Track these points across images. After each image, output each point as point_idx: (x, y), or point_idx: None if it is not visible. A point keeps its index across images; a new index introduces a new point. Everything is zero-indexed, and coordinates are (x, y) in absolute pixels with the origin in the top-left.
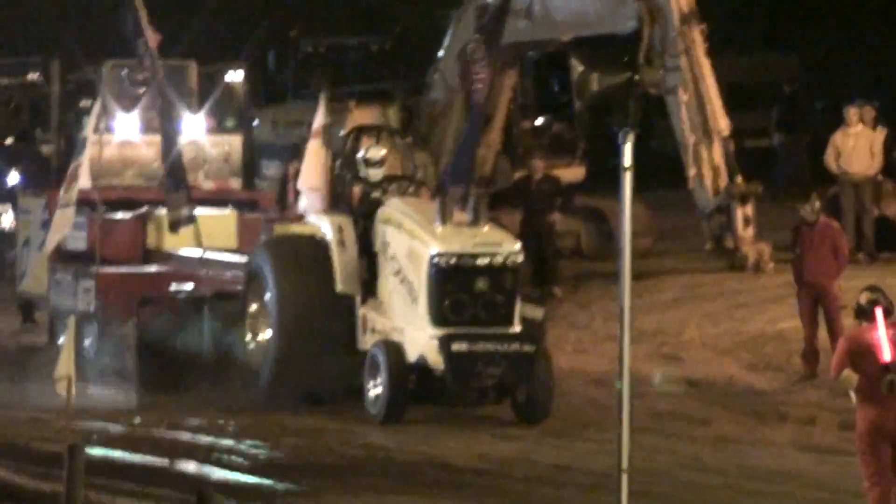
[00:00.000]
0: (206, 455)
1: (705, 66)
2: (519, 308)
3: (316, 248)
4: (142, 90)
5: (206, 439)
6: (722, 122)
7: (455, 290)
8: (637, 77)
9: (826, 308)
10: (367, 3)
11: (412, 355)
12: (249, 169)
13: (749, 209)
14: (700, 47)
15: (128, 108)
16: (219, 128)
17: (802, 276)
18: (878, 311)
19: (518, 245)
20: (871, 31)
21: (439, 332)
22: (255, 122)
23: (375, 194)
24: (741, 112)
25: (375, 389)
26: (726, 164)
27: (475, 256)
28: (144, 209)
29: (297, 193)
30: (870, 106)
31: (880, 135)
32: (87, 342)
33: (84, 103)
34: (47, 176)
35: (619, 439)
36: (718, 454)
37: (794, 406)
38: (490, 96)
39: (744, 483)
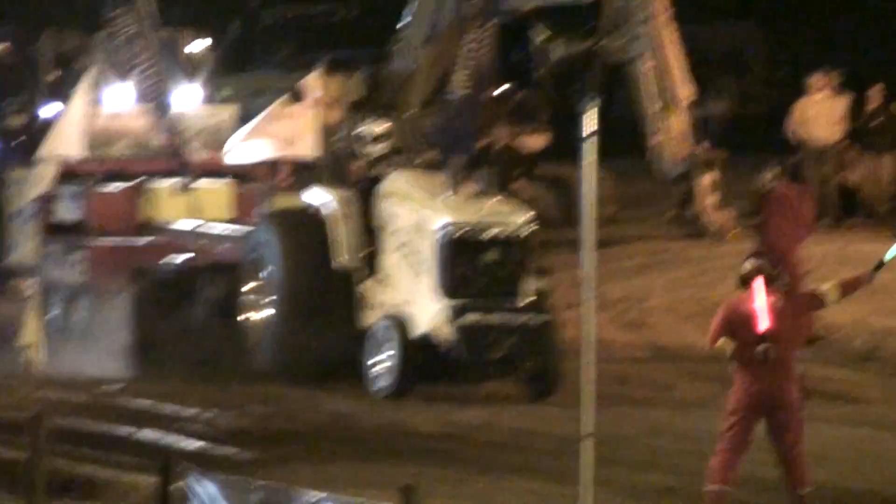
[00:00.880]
0: (171, 423)
1: (669, 33)
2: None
3: (317, 222)
4: (135, 59)
5: (170, 407)
6: (685, 90)
7: (465, 261)
8: (599, 45)
9: (790, 275)
10: None
11: (420, 329)
12: None
13: (713, 176)
14: (664, 14)
15: (121, 77)
16: (212, 98)
17: (765, 243)
18: (757, 281)
19: (529, 215)
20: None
21: (449, 304)
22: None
23: (377, 170)
24: (706, 79)
25: (381, 365)
26: (690, 131)
27: (485, 227)
28: (137, 180)
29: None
30: (834, 73)
31: (843, 102)
32: (79, 315)
33: (53, 75)
34: (26, 148)
35: (582, 405)
36: (684, 420)
37: None
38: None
39: (708, 449)
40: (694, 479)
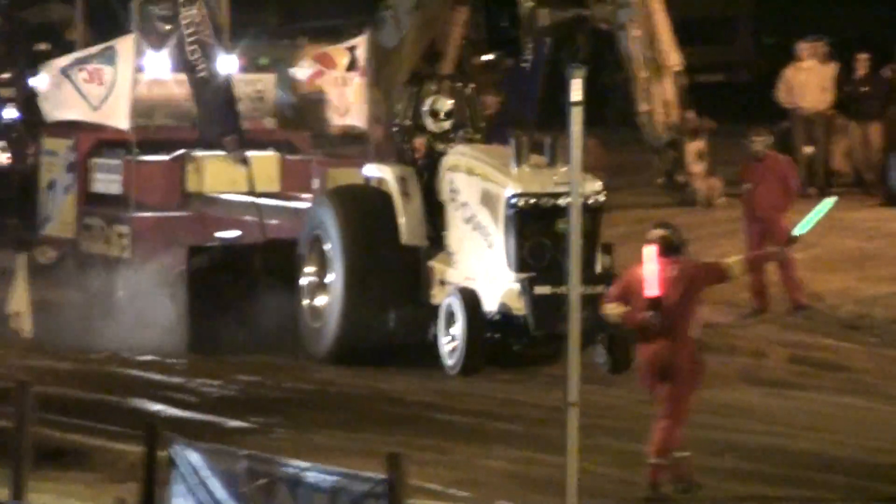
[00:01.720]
0: (157, 392)
1: (657, 1)
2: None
3: (380, 199)
4: (169, 27)
5: (157, 377)
6: (673, 57)
7: (535, 232)
8: (587, 12)
9: (775, 243)
10: None
11: (490, 303)
12: None
13: (700, 144)
14: None
15: (157, 45)
16: (251, 66)
17: (752, 211)
18: (649, 248)
19: (599, 184)
20: None
21: (519, 276)
22: None
23: (441, 146)
24: (694, 47)
25: (453, 342)
26: (678, 99)
27: (555, 196)
28: (181, 151)
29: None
30: (821, 41)
31: (831, 70)
32: (120, 290)
33: (41, 46)
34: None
35: (567, 373)
36: None
37: (743, 340)
38: (443, 33)
39: (692, 416)
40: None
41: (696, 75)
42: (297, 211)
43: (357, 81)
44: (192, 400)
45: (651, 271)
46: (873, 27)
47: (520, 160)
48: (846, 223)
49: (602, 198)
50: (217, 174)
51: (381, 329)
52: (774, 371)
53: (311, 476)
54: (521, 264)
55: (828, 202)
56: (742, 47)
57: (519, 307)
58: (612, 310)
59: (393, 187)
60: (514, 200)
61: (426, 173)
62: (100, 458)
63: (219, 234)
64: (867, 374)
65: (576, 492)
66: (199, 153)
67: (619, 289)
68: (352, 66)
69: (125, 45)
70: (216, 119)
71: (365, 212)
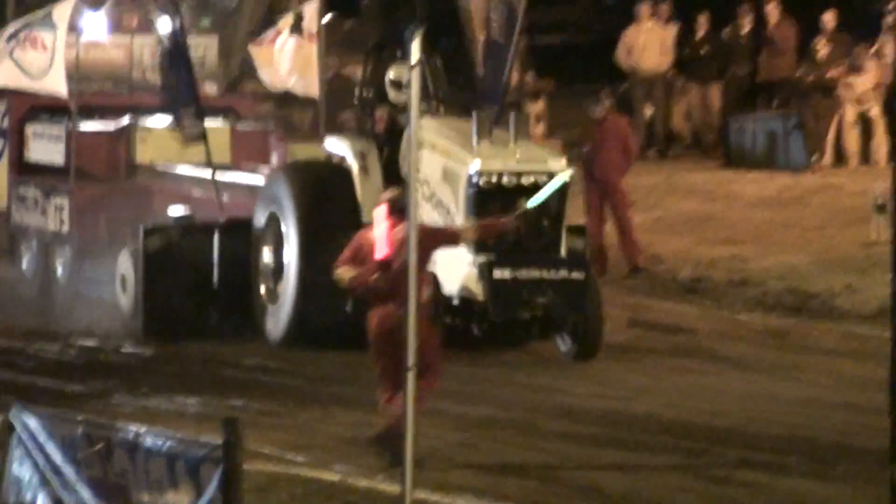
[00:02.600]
0: None
1: None
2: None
3: (339, 175)
4: None
5: None
6: None
7: (497, 211)
8: None
9: (613, 205)
10: None
11: (449, 286)
12: None
13: (540, 106)
14: None
15: (94, 5)
16: (192, 28)
17: (591, 173)
18: (380, 209)
19: (564, 161)
20: None
21: (479, 258)
22: None
23: (404, 118)
24: (534, 7)
25: None
26: (519, 60)
27: (519, 174)
28: (126, 118)
29: None
30: (663, 2)
31: (672, 31)
32: (59, 267)
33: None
34: None
35: (407, 338)
36: (514, 353)
37: None
38: None
39: (535, 380)
40: (518, 411)
41: (535, 36)
42: (252, 187)
43: (293, 44)
44: (30, 364)
45: (380, 233)
46: None
47: (481, 136)
48: (686, 185)
49: (567, 176)
50: (167, 145)
51: (339, 311)
52: (612, 334)
53: (149, 441)
54: (481, 246)
55: (562, 177)
56: (582, 7)
57: (478, 291)
58: (343, 273)
59: (352, 162)
60: (475, 178)
61: (387, 147)
62: None
63: (170, 210)
64: (704, 337)
65: (412, 456)
66: (148, 121)
67: (351, 251)
68: (296, 30)
69: (63, 8)
70: (173, 86)
71: (322, 189)
